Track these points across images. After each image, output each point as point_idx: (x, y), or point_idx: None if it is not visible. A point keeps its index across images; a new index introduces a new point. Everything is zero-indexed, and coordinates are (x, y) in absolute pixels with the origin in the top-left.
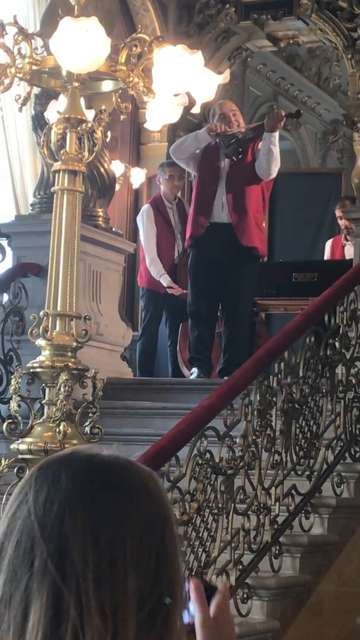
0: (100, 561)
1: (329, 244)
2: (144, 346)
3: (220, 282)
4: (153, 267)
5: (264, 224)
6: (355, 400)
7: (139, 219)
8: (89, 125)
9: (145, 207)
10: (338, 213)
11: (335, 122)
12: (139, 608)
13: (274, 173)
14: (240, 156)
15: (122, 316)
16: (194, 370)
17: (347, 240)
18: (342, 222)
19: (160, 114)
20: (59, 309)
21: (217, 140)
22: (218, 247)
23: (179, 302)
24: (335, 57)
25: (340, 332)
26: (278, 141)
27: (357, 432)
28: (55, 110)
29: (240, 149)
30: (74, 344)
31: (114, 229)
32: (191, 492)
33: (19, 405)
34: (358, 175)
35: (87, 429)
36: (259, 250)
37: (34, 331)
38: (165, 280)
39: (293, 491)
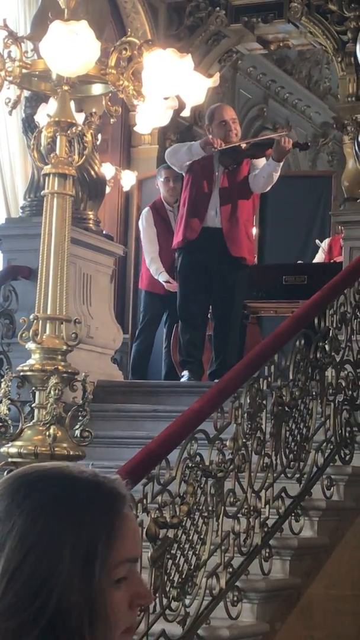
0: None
1: (326, 242)
2: (139, 348)
3: (210, 286)
4: (153, 265)
5: (253, 231)
6: (345, 402)
7: (139, 222)
8: (79, 128)
9: (145, 210)
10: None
11: (326, 124)
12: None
13: (267, 189)
14: (235, 166)
15: (112, 319)
16: (185, 373)
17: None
18: None
19: (150, 117)
20: (49, 312)
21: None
22: (208, 251)
23: None
24: (326, 60)
25: (330, 335)
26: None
27: (347, 434)
28: (45, 114)
29: (236, 161)
30: (64, 347)
31: (104, 232)
32: (181, 495)
33: (9, 409)
34: (348, 178)
35: (77, 432)
36: (247, 260)
37: (24, 334)
38: (163, 277)
39: (283, 494)
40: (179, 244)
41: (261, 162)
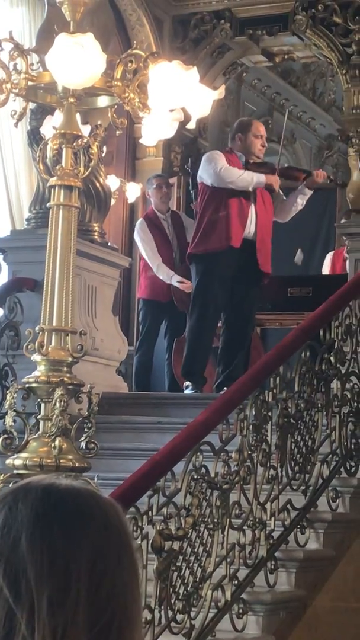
0: (55, 585)
1: (329, 256)
2: (140, 359)
3: (229, 295)
4: (161, 272)
5: None
6: (351, 414)
7: (135, 234)
8: (85, 140)
9: (139, 222)
10: None
11: (330, 137)
12: (89, 629)
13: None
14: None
15: (117, 330)
16: (188, 384)
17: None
18: None
19: (155, 129)
20: (54, 324)
21: (241, 157)
22: (239, 262)
23: (180, 314)
24: (330, 72)
25: (336, 346)
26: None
27: (353, 446)
28: (51, 126)
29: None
30: (70, 359)
31: (109, 244)
32: (187, 507)
33: (14, 421)
34: (353, 190)
35: (83, 444)
36: (268, 277)
37: (29, 346)
38: (176, 279)
39: (288, 506)
40: (216, 249)
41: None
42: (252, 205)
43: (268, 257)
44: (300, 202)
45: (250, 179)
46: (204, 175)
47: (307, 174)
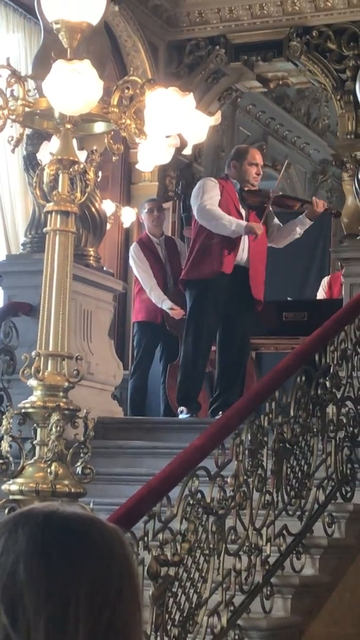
0: (53, 612)
1: (326, 280)
2: (135, 384)
3: (221, 321)
4: (154, 294)
5: None
6: (346, 439)
7: (129, 258)
8: (81, 166)
9: (132, 246)
10: None
11: (325, 162)
12: None
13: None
14: (256, 208)
15: (113, 355)
16: (183, 409)
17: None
18: None
19: (151, 155)
20: (50, 348)
21: (236, 185)
22: (232, 288)
23: (174, 339)
24: (325, 97)
25: (331, 371)
26: None
27: (348, 471)
28: (47, 152)
29: (260, 203)
30: (66, 384)
31: (105, 268)
32: (182, 532)
33: (10, 446)
34: (348, 214)
35: (79, 469)
36: (260, 304)
37: (25, 371)
38: (167, 305)
39: (284, 531)
40: (208, 275)
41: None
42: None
43: (261, 283)
44: (299, 230)
45: (229, 227)
46: (192, 204)
47: (302, 202)
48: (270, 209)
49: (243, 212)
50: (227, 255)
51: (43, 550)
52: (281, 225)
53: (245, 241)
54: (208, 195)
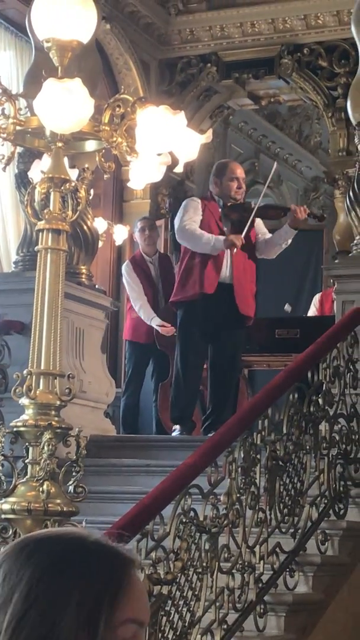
0: None
1: (317, 297)
2: (127, 401)
3: (210, 340)
4: (143, 311)
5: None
6: (339, 456)
7: (123, 277)
8: (73, 184)
9: (125, 264)
10: None
11: (316, 179)
12: None
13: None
14: (239, 223)
15: (105, 373)
16: (176, 427)
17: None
18: None
19: (143, 173)
20: (42, 367)
21: (219, 201)
22: (218, 307)
23: (165, 357)
24: (316, 115)
25: (324, 388)
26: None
27: (341, 489)
28: (39, 170)
29: (242, 217)
30: (58, 402)
31: (97, 286)
32: (175, 550)
33: (2, 465)
34: (340, 231)
35: (71, 488)
36: (250, 320)
37: (17, 390)
38: (156, 322)
39: (277, 549)
40: (193, 296)
41: (263, 225)
42: (227, 250)
43: (248, 300)
44: (285, 240)
45: (209, 244)
46: (175, 225)
47: (285, 211)
48: (259, 219)
49: (226, 229)
50: (209, 274)
51: (74, 564)
52: (269, 235)
53: (227, 258)
54: (188, 216)
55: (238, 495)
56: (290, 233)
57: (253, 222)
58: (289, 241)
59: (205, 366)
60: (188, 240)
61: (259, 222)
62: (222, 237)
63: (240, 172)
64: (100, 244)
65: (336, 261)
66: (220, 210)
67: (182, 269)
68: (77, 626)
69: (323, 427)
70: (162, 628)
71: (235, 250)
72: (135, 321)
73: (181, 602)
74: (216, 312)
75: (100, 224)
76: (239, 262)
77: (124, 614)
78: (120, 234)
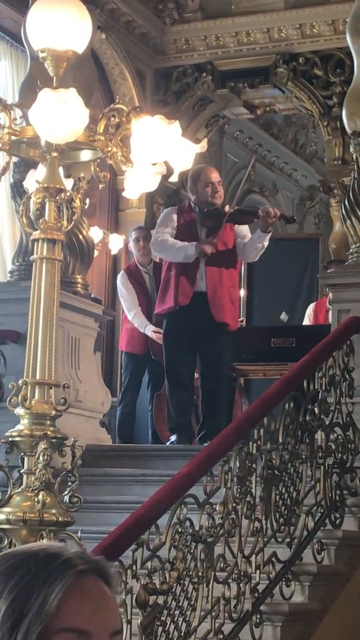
0: None
1: (311, 307)
2: (123, 411)
3: (195, 349)
4: (137, 319)
5: (241, 293)
6: (335, 466)
7: (118, 288)
8: (68, 194)
9: (120, 274)
10: None
11: (312, 188)
12: None
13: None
14: (215, 229)
15: (101, 382)
16: (173, 437)
17: (331, 304)
18: None
19: (138, 182)
20: (37, 377)
21: (195, 208)
22: (194, 315)
23: (161, 366)
24: (312, 124)
25: (319, 397)
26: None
27: (337, 498)
28: (34, 180)
29: (217, 223)
30: (53, 412)
31: (92, 295)
32: (171, 560)
33: None
34: (335, 240)
35: (66, 498)
36: (229, 326)
37: (12, 399)
38: (150, 329)
39: (273, 559)
40: (170, 309)
41: (244, 228)
42: (202, 259)
43: (224, 306)
44: (260, 244)
45: (182, 252)
46: None
47: (257, 215)
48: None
49: (202, 236)
50: (183, 286)
51: (15, 575)
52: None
53: (202, 267)
54: (160, 228)
55: (234, 504)
56: (262, 237)
57: (223, 227)
58: (265, 244)
59: (197, 376)
60: (161, 252)
61: (240, 226)
62: (194, 244)
63: (214, 176)
64: (96, 253)
65: (329, 270)
66: (195, 217)
67: (162, 282)
68: (5, 637)
69: (319, 436)
70: (158, 638)
71: (205, 256)
72: (130, 332)
73: (177, 612)
74: (193, 322)
75: (96, 233)
76: (213, 270)
77: (57, 623)
78: (116, 243)
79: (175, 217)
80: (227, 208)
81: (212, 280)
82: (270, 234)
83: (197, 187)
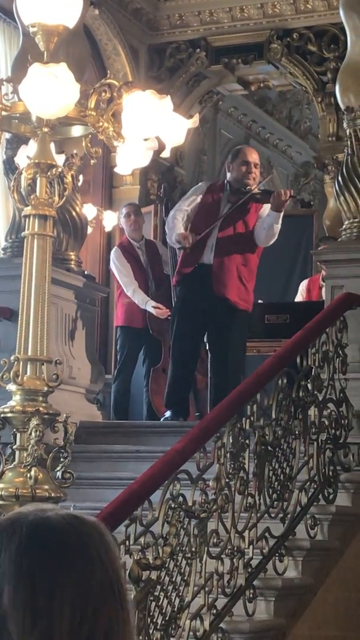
0: (39, 635)
1: (304, 284)
2: (118, 388)
3: (204, 324)
4: (137, 296)
5: (252, 282)
6: (328, 441)
7: (110, 263)
8: (59, 170)
9: (113, 250)
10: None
11: (307, 164)
12: None
13: (270, 243)
14: (238, 205)
15: (94, 359)
16: (167, 413)
17: (324, 281)
18: None
19: (130, 158)
20: (29, 353)
21: (227, 186)
22: (199, 288)
23: (157, 342)
24: (306, 100)
25: (313, 373)
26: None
27: (330, 473)
28: (25, 155)
29: (241, 199)
30: (45, 388)
31: (86, 272)
32: (164, 536)
33: None
34: (329, 217)
35: (59, 474)
36: (233, 302)
37: (4, 376)
38: (151, 304)
39: (267, 534)
40: (175, 280)
41: (266, 212)
42: (214, 230)
43: (226, 281)
44: (277, 225)
45: (172, 236)
46: None
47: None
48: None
49: (224, 210)
50: (191, 256)
51: (27, 573)
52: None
53: (213, 238)
54: (183, 202)
55: (227, 480)
56: (272, 215)
57: (248, 207)
58: (277, 226)
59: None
60: (167, 227)
61: (263, 210)
62: (179, 232)
63: (253, 157)
64: (90, 230)
65: (320, 247)
66: (221, 196)
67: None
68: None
69: (312, 412)
70: (151, 613)
71: (182, 248)
72: (128, 306)
73: (170, 587)
74: (199, 294)
75: (89, 210)
76: (224, 244)
77: None
78: (110, 220)
79: (200, 191)
80: (254, 189)
81: (220, 252)
82: (282, 214)
83: (233, 164)
